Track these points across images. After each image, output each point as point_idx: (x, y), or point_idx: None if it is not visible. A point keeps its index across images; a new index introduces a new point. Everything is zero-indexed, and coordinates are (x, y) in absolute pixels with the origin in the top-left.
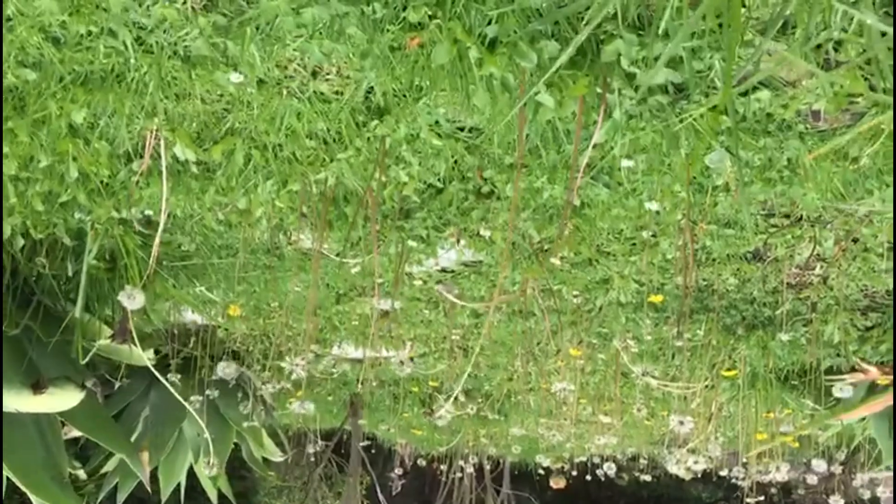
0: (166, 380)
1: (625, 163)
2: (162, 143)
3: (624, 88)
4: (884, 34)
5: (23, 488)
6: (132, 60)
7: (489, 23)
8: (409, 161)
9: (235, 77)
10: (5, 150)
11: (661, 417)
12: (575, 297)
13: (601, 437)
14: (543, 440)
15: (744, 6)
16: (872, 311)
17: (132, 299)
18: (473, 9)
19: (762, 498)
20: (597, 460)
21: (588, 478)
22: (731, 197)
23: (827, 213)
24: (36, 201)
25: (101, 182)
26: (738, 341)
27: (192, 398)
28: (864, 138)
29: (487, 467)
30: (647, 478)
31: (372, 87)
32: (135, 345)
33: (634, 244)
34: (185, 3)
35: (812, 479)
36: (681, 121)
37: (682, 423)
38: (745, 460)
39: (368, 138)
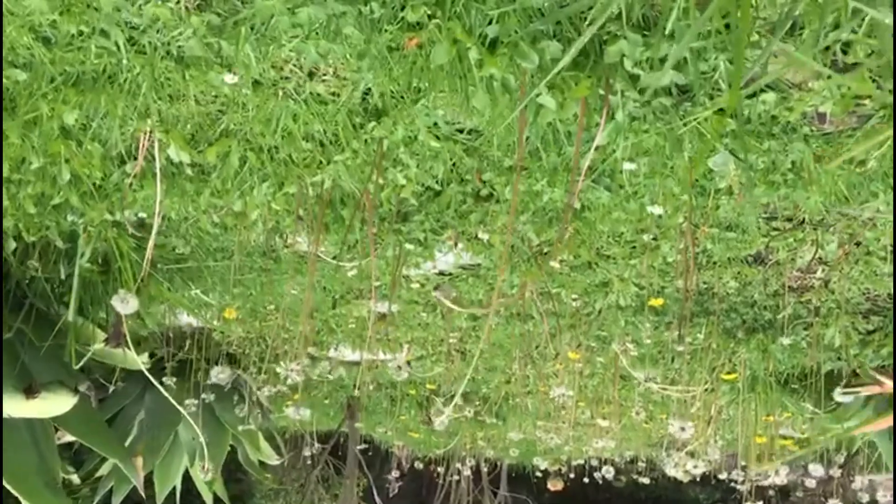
0: (161, 383)
1: (627, 165)
2: (156, 144)
3: (627, 90)
4: None
5: (15, 494)
6: (124, 61)
7: (490, 22)
8: (407, 163)
9: (230, 78)
10: None
11: (660, 420)
12: (574, 300)
13: (599, 440)
14: (541, 443)
15: (751, 6)
16: (874, 314)
17: (125, 303)
18: (473, 8)
19: (760, 502)
20: (595, 463)
21: (586, 480)
22: (733, 200)
23: (830, 217)
24: (28, 203)
25: (94, 184)
26: (738, 345)
27: (187, 401)
28: (872, 141)
29: (485, 469)
30: (646, 480)
31: (369, 89)
32: (129, 348)
33: (634, 247)
34: (178, 2)
35: (810, 483)
36: (685, 124)
37: (682, 429)
38: (743, 463)
39: (366, 140)
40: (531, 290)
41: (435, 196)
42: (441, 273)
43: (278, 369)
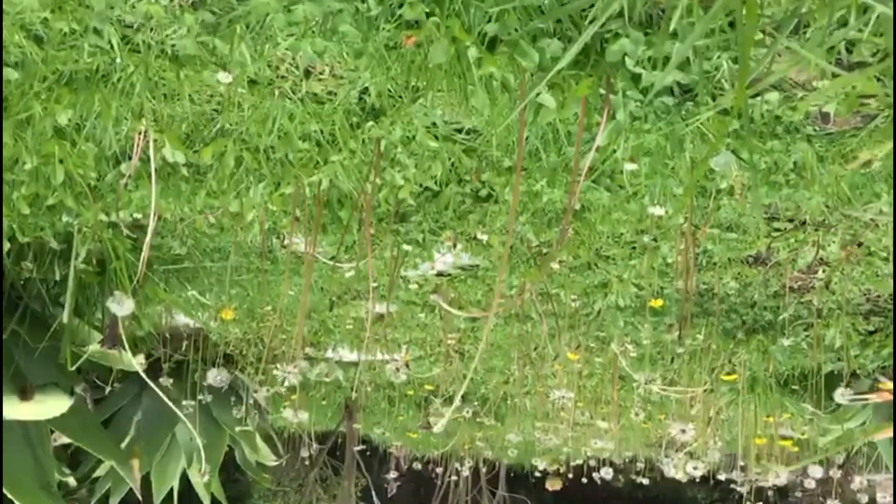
0: (158, 384)
1: (628, 166)
2: (151, 144)
3: (629, 89)
4: None
5: (11, 497)
6: (118, 60)
7: (489, 20)
8: (405, 163)
9: (225, 77)
10: None
11: (659, 421)
12: (573, 300)
13: (598, 440)
14: (540, 443)
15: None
16: (875, 315)
17: (121, 305)
18: (473, 6)
19: (760, 502)
20: (593, 463)
21: (584, 480)
22: (734, 200)
23: (831, 217)
24: (22, 204)
25: (89, 185)
26: (738, 345)
27: (184, 402)
28: (876, 140)
29: (483, 470)
30: (644, 480)
31: (366, 88)
32: (125, 350)
33: (634, 248)
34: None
35: (809, 483)
36: (687, 124)
37: (683, 431)
38: (742, 464)
39: (363, 140)
40: (530, 291)
41: (433, 196)
42: (440, 274)
43: (275, 371)
